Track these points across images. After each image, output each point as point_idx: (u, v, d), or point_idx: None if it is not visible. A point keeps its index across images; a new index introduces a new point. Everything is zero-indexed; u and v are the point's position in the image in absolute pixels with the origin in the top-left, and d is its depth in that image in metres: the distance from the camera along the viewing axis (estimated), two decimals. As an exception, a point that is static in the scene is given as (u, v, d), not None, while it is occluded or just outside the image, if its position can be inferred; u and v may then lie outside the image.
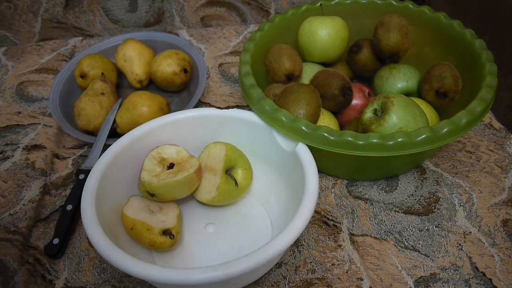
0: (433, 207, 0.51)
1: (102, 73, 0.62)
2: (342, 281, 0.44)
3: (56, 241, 0.46)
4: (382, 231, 0.48)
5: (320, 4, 0.62)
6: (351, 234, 0.48)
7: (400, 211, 0.50)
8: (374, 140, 0.43)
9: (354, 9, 0.63)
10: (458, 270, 0.45)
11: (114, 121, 0.57)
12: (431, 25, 0.58)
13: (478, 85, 0.48)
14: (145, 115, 0.55)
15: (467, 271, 0.45)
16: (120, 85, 0.68)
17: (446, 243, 0.47)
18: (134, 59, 0.64)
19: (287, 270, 0.45)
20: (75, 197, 0.49)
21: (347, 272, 0.45)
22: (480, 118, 0.46)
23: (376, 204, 0.51)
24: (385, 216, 0.50)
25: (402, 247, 0.47)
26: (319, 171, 0.52)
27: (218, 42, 0.77)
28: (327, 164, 0.52)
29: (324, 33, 0.57)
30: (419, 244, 0.47)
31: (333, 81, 0.52)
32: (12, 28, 0.81)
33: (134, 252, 0.43)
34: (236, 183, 0.48)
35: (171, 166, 0.46)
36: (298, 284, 0.44)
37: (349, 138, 0.43)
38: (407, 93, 0.57)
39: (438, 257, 0.46)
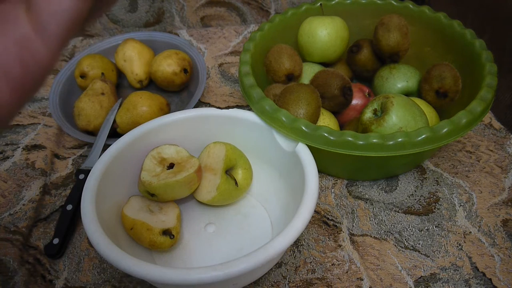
0: (433, 207, 0.51)
1: (102, 73, 0.62)
2: (342, 281, 0.44)
3: (56, 241, 0.46)
4: (382, 231, 0.48)
5: (320, 4, 0.62)
6: (351, 234, 0.48)
7: (400, 211, 0.50)
8: (374, 140, 0.43)
9: (354, 9, 0.63)
10: (458, 270, 0.45)
11: (114, 121, 0.57)
12: (431, 25, 0.58)
13: (478, 85, 0.48)
14: (145, 115, 0.55)
15: (467, 271, 0.45)
16: (120, 85, 0.68)
17: (446, 243, 0.47)
18: (134, 59, 0.64)
19: (287, 270, 0.45)
20: (75, 197, 0.49)
21: (347, 272, 0.45)
22: (480, 118, 0.46)
23: (376, 204, 0.51)
24: (385, 216, 0.50)
25: (402, 247, 0.47)
26: (319, 171, 0.52)
27: (218, 42, 0.77)
28: (327, 164, 0.52)
29: (324, 33, 0.57)
30: (419, 244, 0.47)
31: (333, 81, 0.52)
32: (12, 28, 0.81)
33: (134, 252, 0.42)
34: (236, 183, 0.48)
35: (171, 166, 0.46)
36: (298, 284, 0.44)
37: (349, 138, 0.43)
38: (407, 93, 0.57)
39: (438, 257, 0.46)
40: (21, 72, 0.18)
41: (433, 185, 0.53)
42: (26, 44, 0.17)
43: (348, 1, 0.62)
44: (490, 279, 0.44)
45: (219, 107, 0.61)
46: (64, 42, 0.18)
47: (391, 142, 0.43)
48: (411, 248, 0.47)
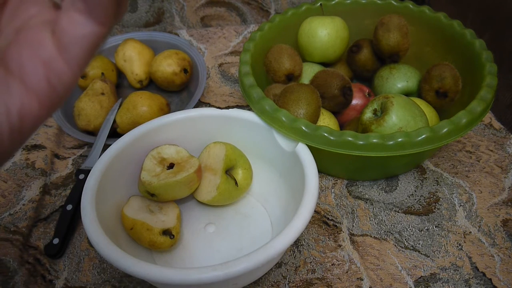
0: (433, 207, 0.51)
1: (102, 73, 0.62)
2: (342, 281, 0.44)
3: (56, 241, 0.46)
4: (382, 231, 0.48)
5: (320, 4, 0.62)
6: (351, 234, 0.48)
7: (400, 211, 0.50)
8: (374, 140, 0.43)
9: (354, 9, 0.63)
10: (458, 270, 0.45)
11: (114, 121, 0.57)
12: (431, 25, 0.58)
13: (478, 85, 0.48)
14: (145, 115, 0.55)
15: (467, 271, 0.45)
16: (120, 85, 0.68)
17: (446, 243, 0.47)
18: (134, 59, 0.64)
19: (287, 270, 0.45)
20: (75, 197, 0.49)
21: (347, 272, 0.45)
22: (480, 118, 0.46)
23: (376, 204, 0.51)
24: (385, 216, 0.50)
25: (402, 247, 0.47)
26: (319, 171, 0.52)
27: (218, 42, 0.77)
28: (327, 164, 0.52)
29: (324, 33, 0.57)
30: (419, 244, 0.47)
31: (333, 81, 0.52)
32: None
33: (134, 252, 0.43)
34: (236, 183, 0.48)
35: (171, 166, 0.46)
36: (298, 284, 0.44)
37: (349, 138, 0.43)
38: (407, 93, 0.57)
39: (438, 257, 0.46)
40: (49, 90, 0.20)
41: (433, 185, 0.53)
42: (52, 66, 0.20)
43: (348, 1, 0.62)
44: (490, 279, 0.44)
45: (219, 107, 0.61)
46: (85, 63, 0.20)
47: (391, 142, 0.43)
48: (411, 248, 0.47)
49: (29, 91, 0.19)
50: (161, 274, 0.33)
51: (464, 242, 0.47)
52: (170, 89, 0.65)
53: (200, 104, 0.66)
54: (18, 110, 0.19)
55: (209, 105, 0.66)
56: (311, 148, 0.44)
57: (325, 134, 0.43)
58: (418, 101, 0.53)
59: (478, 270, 0.45)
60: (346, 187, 0.53)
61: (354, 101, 0.55)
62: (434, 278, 0.44)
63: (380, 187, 0.53)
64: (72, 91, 0.21)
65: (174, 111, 0.50)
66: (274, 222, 0.48)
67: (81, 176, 0.51)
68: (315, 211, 0.50)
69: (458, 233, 0.48)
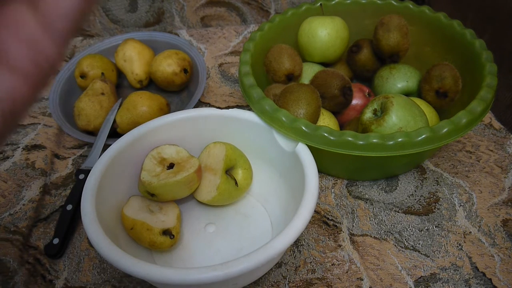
0: (433, 207, 0.51)
1: (102, 73, 0.62)
2: (342, 281, 0.44)
3: (56, 241, 0.46)
4: (382, 231, 0.48)
5: (320, 4, 0.62)
6: (351, 234, 0.48)
7: (400, 211, 0.50)
8: (374, 140, 0.43)
9: (354, 9, 0.63)
10: (458, 270, 0.45)
11: (114, 121, 0.57)
12: (431, 25, 0.58)
13: (478, 85, 0.48)
14: (145, 115, 0.55)
15: (467, 271, 0.45)
16: (120, 85, 0.68)
17: (446, 243, 0.47)
18: (134, 59, 0.64)
19: (287, 270, 0.45)
20: (75, 197, 0.49)
21: (347, 272, 0.45)
22: (480, 118, 0.46)
23: (376, 204, 0.51)
24: (385, 216, 0.50)
25: (402, 247, 0.47)
26: (319, 171, 0.52)
27: (218, 42, 0.77)
28: (327, 164, 0.52)
29: (324, 33, 0.57)
30: (419, 244, 0.47)
31: (333, 81, 0.52)
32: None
33: (134, 252, 0.42)
34: (236, 183, 0.48)
35: (171, 166, 0.46)
36: (298, 284, 0.44)
37: (349, 138, 0.43)
38: (407, 93, 0.57)
39: (438, 257, 0.46)
40: (35, 71, 0.20)
41: (433, 185, 0.53)
42: (38, 45, 0.19)
43: (348, 1, 0.62)
44: (490, 279, 0.44)
45: (219, 107, 0.61)
46: (69, 39, 0.20)
47: (391, 142, 0.43)
48: (411, 248, 0.47)
49: (18, 75, 0.19)
50: (161, 274, 0.33)
51: (464, 242, 0.47)
52: (170, 89, 0.65)
53: (200, 104, 0.66)
54: (9, 95, 0.19)
55: (209, 105, 0.66)
56: (311, 148, 0.44)
57: (325, 134, 0.43)
58: (418, 101, 0.53)
59: (478, 270, 0.45)
60: (346, 187, 0.53)
61: (354, 101, 0.55)
62: (434, 278, 0.44)
63: (380, 187, 0.53)
64: (56, 69, 0.22)
65: (174, 111, 0.50)
66: (274, 222, 0.48)
67: (81, 176, 0.51)
68: (315, 211, 0.50)
69: (458, 233, 0.48)
